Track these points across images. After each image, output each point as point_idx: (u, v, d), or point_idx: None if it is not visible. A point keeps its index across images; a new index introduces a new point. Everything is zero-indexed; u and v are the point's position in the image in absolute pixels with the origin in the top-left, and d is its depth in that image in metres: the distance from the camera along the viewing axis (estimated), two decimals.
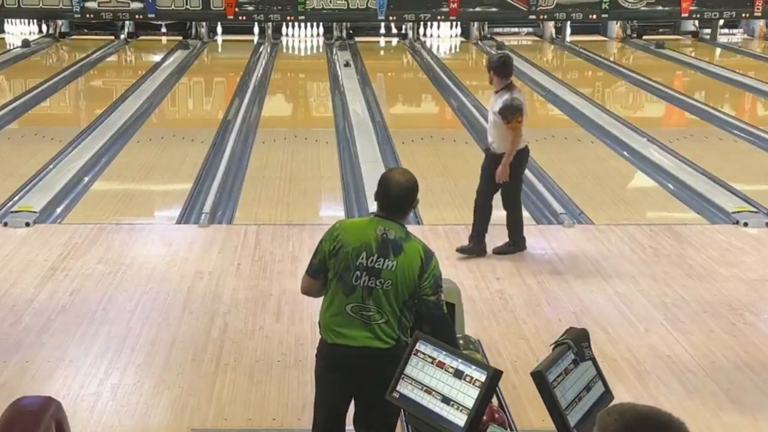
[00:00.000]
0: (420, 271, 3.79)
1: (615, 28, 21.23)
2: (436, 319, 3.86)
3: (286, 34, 20.73)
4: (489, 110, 7.22)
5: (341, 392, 3.98)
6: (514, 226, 7.31)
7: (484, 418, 3.62)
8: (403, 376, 3.50)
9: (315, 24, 20.42)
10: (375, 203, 4.10)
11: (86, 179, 9.51)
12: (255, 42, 20.20)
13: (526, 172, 9.50)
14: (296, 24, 20.34)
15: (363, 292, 3.81)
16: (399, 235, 3.86)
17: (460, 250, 7.25)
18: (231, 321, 6.04)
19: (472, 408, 3.28)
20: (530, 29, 21.40)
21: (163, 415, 4.89)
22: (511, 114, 6.88)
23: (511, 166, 7.05)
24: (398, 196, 3.98)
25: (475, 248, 7.23)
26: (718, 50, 20.11)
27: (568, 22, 20.60)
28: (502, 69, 7.00)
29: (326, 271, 3.90)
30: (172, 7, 19.52)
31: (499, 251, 7.26)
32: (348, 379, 3.94)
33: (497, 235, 7.33)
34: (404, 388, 3.48)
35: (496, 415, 4.14)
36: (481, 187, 7.29)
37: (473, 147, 10.66)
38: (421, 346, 3.51)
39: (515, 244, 7.31)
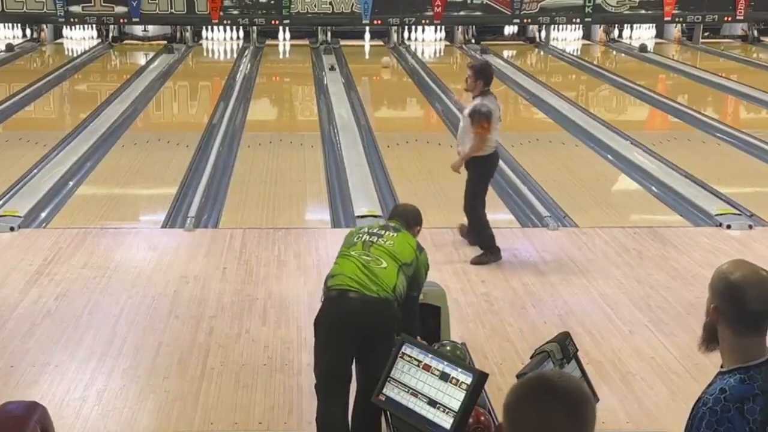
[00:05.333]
0: (417, 247, 4.45)
1: (599, 31, 21.33)
2: (414, 305, 4.47)
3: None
4: (463, 114, 7.27)
5: (337, 346, 4.26)
6: (477, 231, 7.28)
7: (470, 420, 3.64)
8: (389, 379, 3.52)
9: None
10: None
11: (71, 183, 9.48)
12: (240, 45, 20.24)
13: (511, 174, 9.58)
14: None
15: (364, 245, 4.37)
16: (399, 226, 4.61)
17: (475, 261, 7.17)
18: (217, 325, 6.04)
19: (458, 410, 3.30)
20: (515, 30, 21.41)
21: (149, 419, 4.88)
22: (477, 119, 6.95)
23: (478, 171, 7.16)
24: (400, 209, 5.03)
25: (489, 257, 7.20)
26: (701, 54, 20.22)
27: (552, 26, 20.69)
28: (484, 74, 7.06)
29: None
30: (157, 11, 19.48)
31: (478, 262, 7.16)
32: (344, 328, 4.22)
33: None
34: (390, 391, 3.50)
35: (482, 418, 4.16)
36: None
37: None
38: (407, 349, 3.52)
39: (492, 254, 7.21)
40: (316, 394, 4.37)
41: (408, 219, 4.75)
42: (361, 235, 4.46)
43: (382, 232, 4.47)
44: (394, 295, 4.23)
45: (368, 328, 4.20)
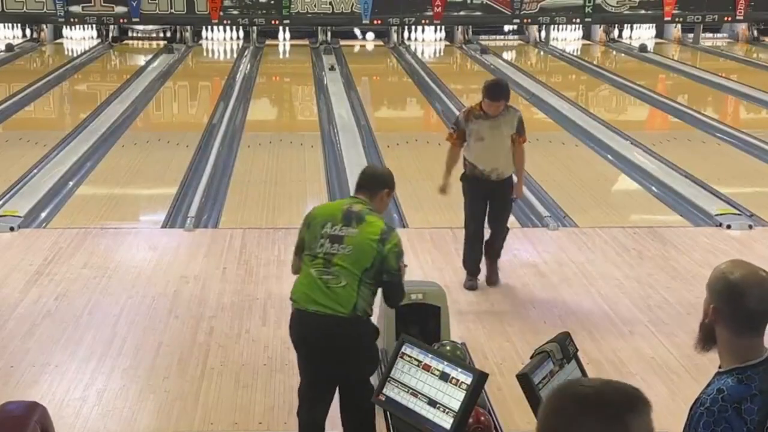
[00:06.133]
0: (380, 239, 4.11)
1: (599, 31, 21.33)
2: (393, 286, 4.21)
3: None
4: (485, 136, 6.44)
5: (309, 363, 4.26)
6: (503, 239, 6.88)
7: (470, 420, 3.64)
8: (389, 379, 3.51)
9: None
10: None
11: (71, 183, 9.48)
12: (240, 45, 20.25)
13: None
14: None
15: (324, 258, 4.14)
16: (363, 209, 4.23)
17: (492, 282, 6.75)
18: (217, 325, 6.04)
19: (458, 410, 3.30)
20: (514, 27, 21.40)
21: (149, 419, 4.88)
22: (524, 129, 6.56)
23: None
24: (363, 176, 4.47)
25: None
26: (701, 54, 20.23)
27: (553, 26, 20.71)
28: (508, 93, 6.55)
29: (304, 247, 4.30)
30: (157, 11, 19.48)
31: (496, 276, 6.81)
32: (311, 349, 4.21)
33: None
34: (390, 391, 3.50)
35: (482, 418, 4.16)
36: (500, 219, 6.71)
37: None
38: (407, 349, 3.52)
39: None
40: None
41: (373, 187, 4.35)
42: (323, 242, 4.15)
43: (343, 232, 4.13)
44: (355, 313, 4.08)
45: (328, 348, 4.15)
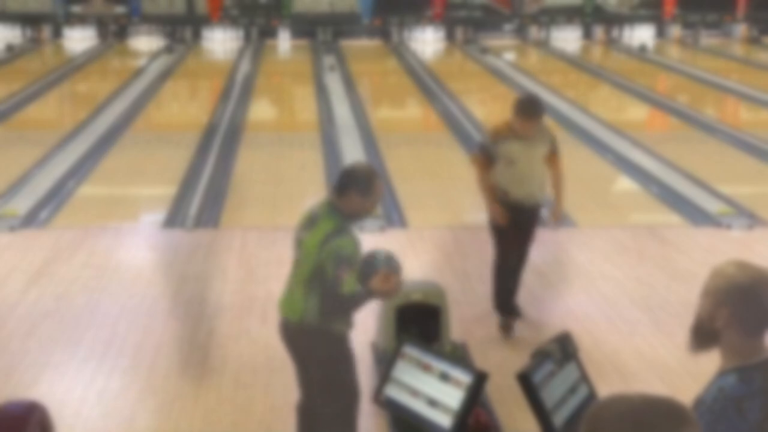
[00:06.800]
0: (320, 243, 3.96)
1: (599, 31, 21.35)
2: (328, 295, 3.96)
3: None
4: (517, 158, 5.71)
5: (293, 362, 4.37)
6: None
7: (470, 420, 3.64)
8: (389, 378, 3.51)
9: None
10: None
11: (71, 183, 9.48)
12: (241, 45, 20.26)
13: None
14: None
15: (294, 265, 4.21)
16: (321, 212, 4.08)
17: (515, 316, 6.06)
18: (217, 325, 6.04)
19: (458, 410, 3.29)
20: (513, 26, 21.43)
21: (149, 419, 4.88)
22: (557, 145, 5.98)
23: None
24: (338, 176, 4.16)
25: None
26: (701, 54, 20.23)
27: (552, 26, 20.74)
28: (544, 109, 5.88)
29: None
30: (157, 11, 19.50)
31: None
32: (289, 351, 4.30)
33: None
34: (390, 391, 3.49)
35: (482, 418, 4.16)
36: (527, 246, 6.05)
37: (458, 150, 10.69)
38: (407, 349, 3.52)
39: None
40: None
41: (341, 188, 4.03)
42: (295, 246, 4.20)
43: (301, 237, 4.11)
44: (303, 321, 4.07)
45: (291, 352, 4.28)
